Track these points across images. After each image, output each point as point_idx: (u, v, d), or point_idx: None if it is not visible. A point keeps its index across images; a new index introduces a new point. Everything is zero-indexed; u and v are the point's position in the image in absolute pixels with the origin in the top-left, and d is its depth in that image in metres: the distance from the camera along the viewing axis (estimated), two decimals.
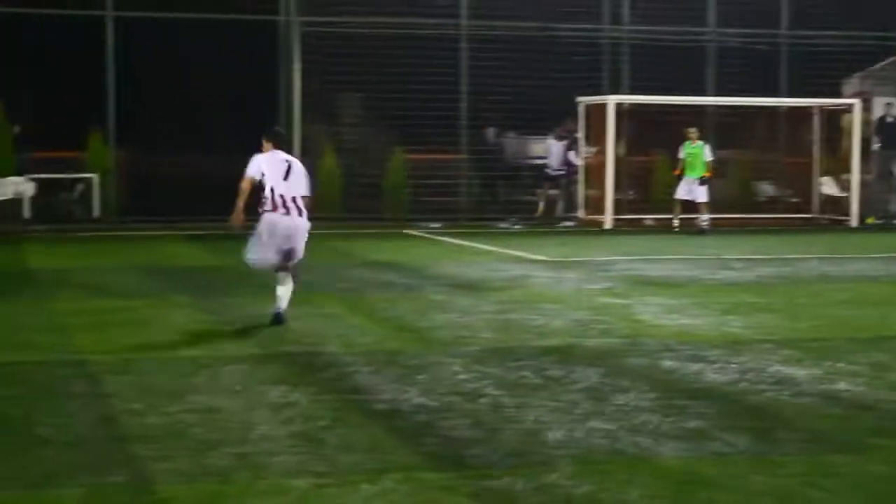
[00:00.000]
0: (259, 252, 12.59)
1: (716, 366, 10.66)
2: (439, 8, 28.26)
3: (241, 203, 12.53)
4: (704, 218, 25.76)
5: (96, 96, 26.36)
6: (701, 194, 25.84)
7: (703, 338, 12.11)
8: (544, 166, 28.59)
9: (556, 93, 28.28)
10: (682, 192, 25.79)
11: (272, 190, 12.48)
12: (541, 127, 29.15)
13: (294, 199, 12.53)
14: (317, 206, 27.44)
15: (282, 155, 12.72)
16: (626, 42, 29.38)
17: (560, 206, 28.83)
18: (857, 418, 8.80)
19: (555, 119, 28.96)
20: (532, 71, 28.01)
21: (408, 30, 27.80)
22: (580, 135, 27.88)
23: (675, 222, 26.01)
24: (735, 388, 9.76)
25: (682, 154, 26.03)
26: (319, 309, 13.80)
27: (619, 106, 27.30)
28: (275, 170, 12.54)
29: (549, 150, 28.45)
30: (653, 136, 28.16)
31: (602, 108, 26.81)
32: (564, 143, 28.36)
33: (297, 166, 12.70)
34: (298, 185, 12.63)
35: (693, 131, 26.31)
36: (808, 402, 9.31)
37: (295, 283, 12.70)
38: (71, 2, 26.16)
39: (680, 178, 25.92)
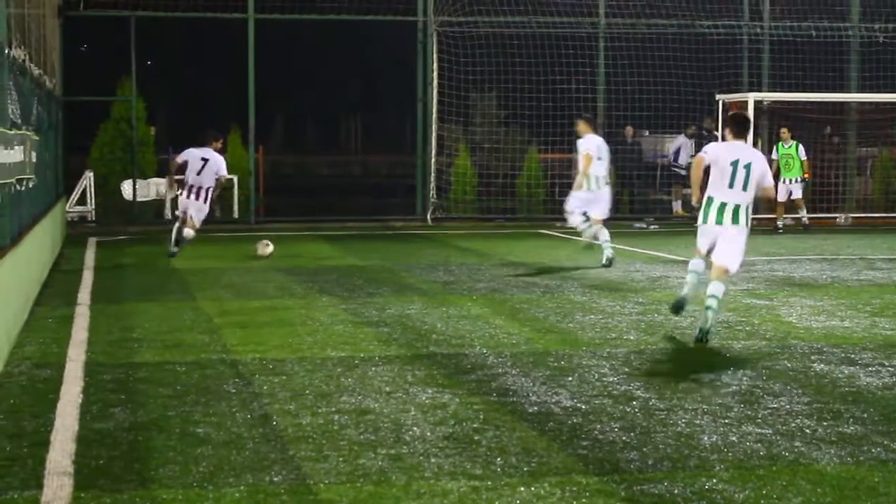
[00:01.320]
0: None
1: (869, 369, 10.46)
2: (576, 6, 28.16)
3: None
4: (804, 215, 25.51)
5: (237, 98, 26.78)
6: (797, 191, 25.62)
7: (853, 340, 11.89)
8: (674, 165, 28.37)
9: (695, 90, 28.03)
10: (782, 194, 25.24)
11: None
12: (679, 126, 28.93)
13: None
14: (451, 206, 27.76)
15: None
16: (766, 38, 28.97)
17: (678, 204, 28.67)
18: None
19: (692, 117, 28.71)
20: (670, 68, 27.80)
21: (544, 29, 27.77)
22: (719, 132, 27.55)
23: (780, 223, 25.52)
24: (891, 393, 9.56)
25: (774, 155, 25.62)
26: (463, 310, 13.83)
27: (758, 103, 26.95)
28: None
29: (680, 149, 28.23)
30: (794, 134, 27.75)
31: (741, 104, 26.47)
32: (693, 140, 28.13)
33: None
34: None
35: (785, 131, 25.97)
36: None
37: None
38: (212, 5, 26.57)
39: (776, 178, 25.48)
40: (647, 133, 29.90)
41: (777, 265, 18.60)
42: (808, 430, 8.30)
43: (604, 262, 18.04)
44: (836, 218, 28.02)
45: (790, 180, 25.71)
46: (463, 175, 28.23)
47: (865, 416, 8.76)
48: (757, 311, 13.83)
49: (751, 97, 26.68)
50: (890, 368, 10.48)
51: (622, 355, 11.04)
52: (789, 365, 10.63)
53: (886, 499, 6.85)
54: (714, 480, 7.15)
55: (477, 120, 29.26)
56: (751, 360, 10.89)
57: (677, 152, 28.65)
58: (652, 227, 26.75)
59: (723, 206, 11.78)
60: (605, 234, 18.32)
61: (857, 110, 29.47)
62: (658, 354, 11.18)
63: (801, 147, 25.98)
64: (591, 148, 18.26)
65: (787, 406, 9.03)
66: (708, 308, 11.61)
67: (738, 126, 12.10)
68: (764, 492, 6.94)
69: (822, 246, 21.28)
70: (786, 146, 25.86)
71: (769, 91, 28.27)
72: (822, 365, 10.65)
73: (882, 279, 16.90)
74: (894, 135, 30.40)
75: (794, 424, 8.48)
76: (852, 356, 11.05)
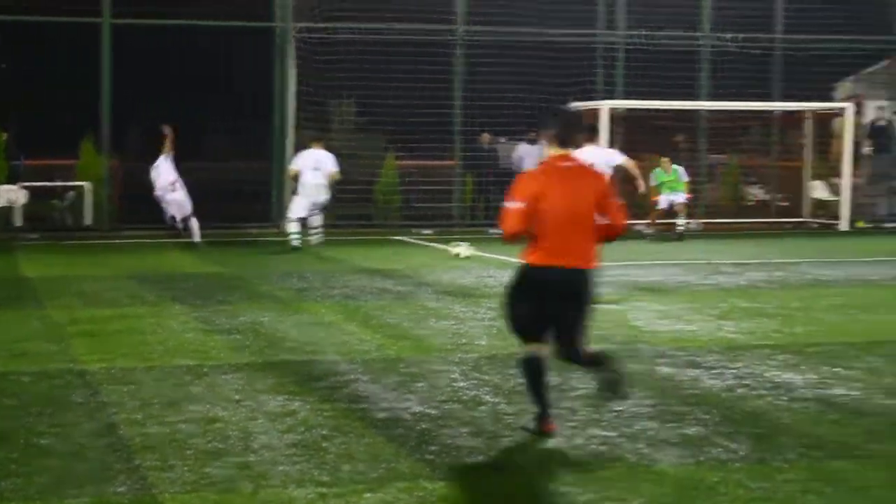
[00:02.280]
0: None
1: (713, 371, 10.71)
2: (434, 14, 28.29)
3: None
4: (682, 222, 25.82)
5: (90, 104, 26.36)
6: (680, 197, 25.89)
7: (698, 343, 12.16)
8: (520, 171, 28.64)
9: (552, 97, 28.32)
10: (663, 203, 25.62)
11: None
12: (535, 132, 29.22)
13: None
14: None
15: None
16: (621, 46, 29.41)
17: None
18: (855, 424, 8.85)
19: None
20: (527, 76, 28.06)
21: (402, 35, 27.84)
22: None
23: (648, 229, 25.82)
24: (733, 394, 9.81)
25: (654, 182, 25.79)
26: (315, 317, 13.82)
27: (612, 111, 27.36)
28: None
29: (522, 156, 28.49)
30: (646, 141, 28.23)
31: (596, 112, 26.86)
32: (536, 147, 28.47)
33: None
34: None
35: (666, 161, 26.21)
36: (806, 407, 9.37)
37: None
38: (67, 9, 26.13)
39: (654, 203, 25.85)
40: (503, 140, 30.12)
41: (628, 270, 18.90)
42: (651, 432, 8.48)
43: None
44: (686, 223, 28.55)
45: (672, 194, 25.85)
46: None
47: (707, 417, 8.97)
48: (606, 316, 14.00)
49: (605, 105, 27.07)
50: (733, 370, 10.75)
51: (473, 361, 11.15)
52: (636, 368, 10.82)
53: (725, 498, 7.03)
54: (558, 483, 7.27)
55: (335, 127, 29.21)
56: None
57: (521, 159, 28.87)
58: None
59: None
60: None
61: (708, 118, 30.07)
62: (509, 360, 11.27)
63: (680, 170, 26.19)
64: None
65: (632, 409, 9.21)
66: None
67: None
68: (606, 493, 7.07)
69: (672, 251, 21.67)
70: (667, 174, 26.00)
71: (623, 99, 28.69)
72: (667, 368, 10.88)
73: (728, 283, 17.29)
74: (743, 142, 31.09)
75: (637, 426, 8.65)
76: (697, 359, 11.30)
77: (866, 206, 29.64)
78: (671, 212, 25.98)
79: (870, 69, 32.08)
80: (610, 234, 8.48)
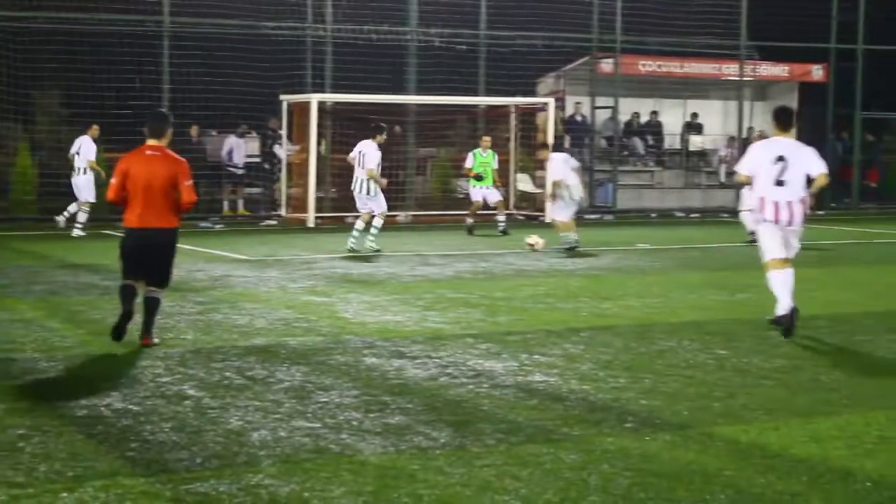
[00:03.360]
0: None
1: (417, 361, 10.90)
2: (142, 5, 27.76)
3: None
4: (501, 219, 25.98)
5: None
6: (493, 196, 25.96)
7: (404, 334, 12.35)
8: (228, 165, 28.50)
9: (262, 90, 28.20)
10: (476, 196, 25.68)
11: None
12: (246, 125, 29.06)
13: None
14: (12, 207, 26.78)
15: None
16: (329, 40, 29.51)
17: (241, 204, 28.93)
18: (551, 409, 9.15)
19: (261, 117, 28.90)
20: (236, 69, 27.84)
21: (108, 26, 27.24)
22: (283, 133, 27.92)
23: (470, 220, 25.81)
24: (436, 383, 10.00)
25: (469, 163, 25.89)
26: (14, 314, 13.41)
27: (321, 104, 27.44)
28: None
29: (233, 149, 28.36)
30: (356, 135, 28.45)
31: (305, 106, 26.91)
32: (244, 140, 28.39)
33: None
34: None
35: (487, 140, 26.37)
36: (506, 394, 9.64)
37: None
38: None
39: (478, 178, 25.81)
40: (214, 133, 29.84)
41: (338, 262, 19.04)
42: (355, 423, 8.57)
43: None
44: (396, 216, 28.89)
45: (485, 188, 25.87)
46: (23, 175, 27.28)
47: (410, 406, 9.12)
48: (315, 308, 14.13)
49: (314, 98, 27.13)
50: (437, 360, 10.96)
51: (178, 355, 11.02)
52: (342, 359, 10.93)
53: (424, 485, 7.16)
54: (261, 476, 7.26)
55: (38, 118, 28.36)
56: (305, 355, 11.12)
57: (230, 153, 28.74)
58: (217, 226, 26.73)
59: None
60: None
61: (417, 112, 30.51)
62: (215, 354, 11.20)
63: (495, 157, 26.32)
64: None
65: (337, 399, 9.29)
66: None
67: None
68: (308, 484, 7.11)
69: (383, 243, 21.82)
70: (484, 155, 26.04)
71: (333, 92, 28.81)
72: (373, 358, 11.01)
73: (435, 274, 17.61)
74: (452, 136, 31.65)
75: (342, 417, 8.73)
76: (402, 349, 11.48)
77: None
78: (487, 206, 25.96)
79: (570, 66, 33.19)
80: (182, 207, 11.42)
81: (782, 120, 12.84)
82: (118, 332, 11.31)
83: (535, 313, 14.00)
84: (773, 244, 12.64)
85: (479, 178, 25.69)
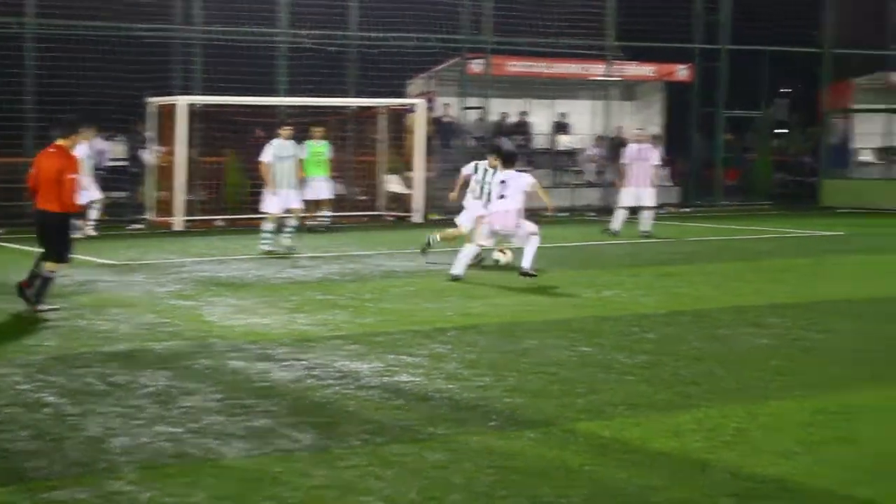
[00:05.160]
0: None
1: (283, 364, 10.86)
2: (4, 6, 27.19)
3: None
4: (326, 215, 25.90)
5: None
6: (325, 191, 25.99)
7: (271, 336, 12.30)
8: (97, 167, 28.07)
9: (130, 93, 27.80)
10: (308, 193, 25.49)
11: None
12: (113, 128, 28.63)
13: None
14: None
15: None
16: (198, 42, 29.23)
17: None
18: (416, 409, 9.19)
19: (131, 120, 28.50)
20: (104, 70, 27.40)
21: None
22: (149, 135, 27.57)
23: (312, 222, 25.67)
24: (301, 385, 9.98)
25: (305, 153, 25.72)
26: None
27: (190, 107, 27.17)
28: None
29: (102, 150, 27.92)
30: (224, 137, 28.26)
31: (173, 108, 26.62)
32: (111, 143, 28.01)
33: None
34: None
35: (319, 130, 26.31)
36: (371, 394, 9.65)
37: None
38: None
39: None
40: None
41: (205, 265, 18.86)
42: (218, 426, 8.52)
43: None
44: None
45: (320, 178, 25.71)
46: None
47: (275, 409, 9.09)
48: (181, 312, 14.00)
49: (181, 100, 26.85)
50: (303, 362, 10.93)
51: (39, 362, 10.85)
52: (207, 363, 10.85)
53: (287, 487, 7.15)
54: (121, 482, 7.19)
55: None
56: (170, 360, 11.02)
57: (100, 154, 28.23)
58: (84, 229, 26.27)
59: None
60: None
61: (287, 113, 30.33)
62: (77, 360, 11.03)
63: (330, 147, 26.21)
64: None
65: (201, 403, 9.22)
66: None
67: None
68: (169, 490, 7.06)
69: (252, 245, 21.67)
70: (317, 144, 25.90)
71: (202, 95, 28.53)
72: (238, 362, 10.95)
73: (303, 277, 17.54)
74: (322, 137, 31.48)
75: (205, 421, 8.67)
76: (269, 352, 11.43)
77: (438, 199, 30.69)
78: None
79: (439, 67, 33.30)
80: (63, 199, 13.64)
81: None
82: (18, 285, 13.88)
83: (402, 314, 14.02)
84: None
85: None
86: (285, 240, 21.04)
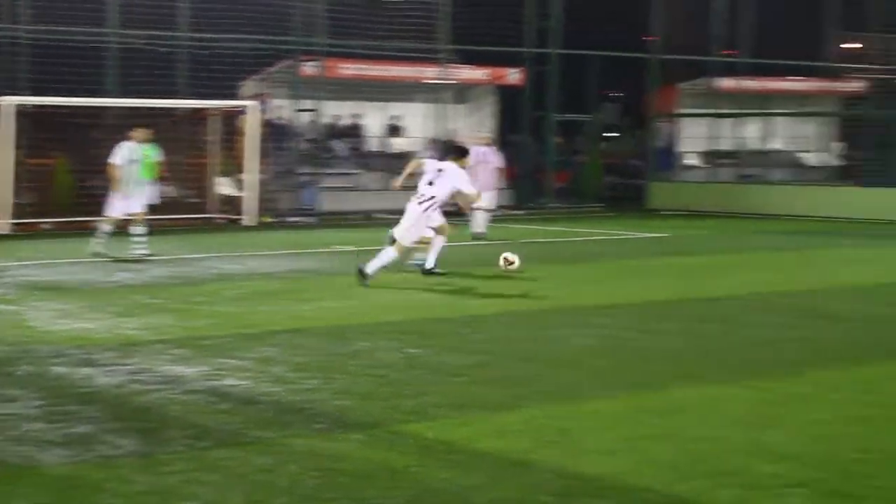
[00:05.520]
0: None
1: (106, 369, 10.68)
2: None
3: None
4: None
5: None
6: (152, 196, 25.20)
7: (95, 341, 12.08)
8: None
9: None
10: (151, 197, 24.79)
11: None
12: None
13: None
14: None
15: None
16: (24, 42, 28.57)
17: None
18: (242, 412, 9.12)
19: None
20: None
21: None
22: None
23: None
24: (125, 390, 9.83)
25: (137, 156, 24.96)
26: None
27: (19, 107, 26.52)
28: None
29: None
30: (53, 139, 27.65)
31: None
32: None
33: None
34: None
35: (140, 132, 25.48)
36: (196, 399, 9.55)
37: None
38: None
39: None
40: None
41: (30, 269, 18.47)
42: (37, 433, 8.33)
43: None
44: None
45: (147, 181, 24.97)
46: None
47: (98, 415, 8.93)
48: (2, 317, 13.67)
49: (7, 101, 26.20)
50: (127, 367, 10.77)
51: None
52: (29, 369, 10.62)
53: (108, 494, 7.02)
54: None
55: None
56: None
57: None
58: None
59: None
60: None
61: (116, 115, 29.79)
62: None
63: (157, 151, 25.48)
64: None
65: (21, 411, 9.02)
66: None
67: None
68: None
69: (80, 249, 21.27)
70: (145, 147, 25.09)
71: (30, 95, 27.87)
72: (61, 367, 10.73)
73: (131, 280, 17.27)
74: (154, 139, 31.00)
75: (25, 429, 8.48)
76: (93, 356, 11.23)
77: (271, 202, 30.55)
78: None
79: (272, 69, 33.12)
80: None
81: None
82: None
83: (232, 317, 13.91)
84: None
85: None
86: (137, 249, 20.35)
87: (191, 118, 30.91)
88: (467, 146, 19.05)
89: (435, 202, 17.17)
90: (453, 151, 18.31)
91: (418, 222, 17.10)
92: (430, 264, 17.60)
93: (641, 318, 14.15)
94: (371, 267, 16.72)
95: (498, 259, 18.02)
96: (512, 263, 17.90)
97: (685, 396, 9.86)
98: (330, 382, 10.23)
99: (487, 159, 25.69)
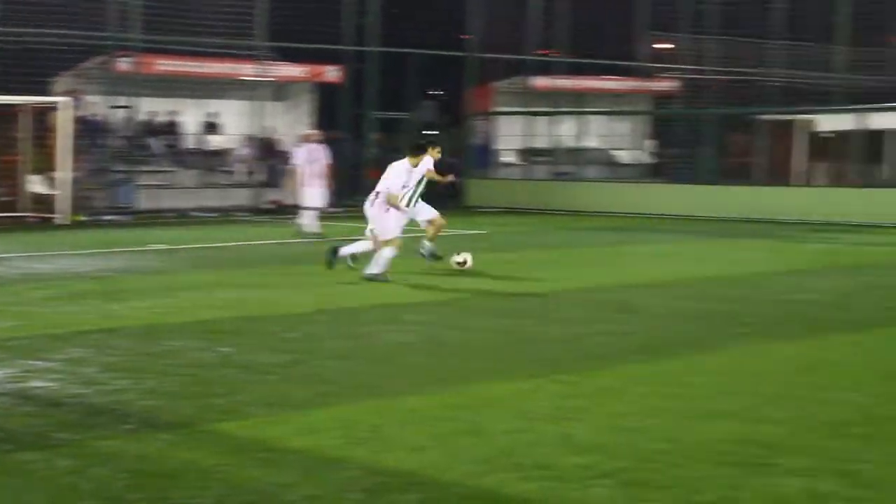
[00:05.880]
0: None
1: None
2: None
3: None
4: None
5: None
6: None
7: None
8: None
9: None
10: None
11: None
12: None
13: None
14: None
15: None
16: None
17: None
18: (48, 414, 8.95)
19: None
20: None
21: None
22: None
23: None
24: None
25: None
26: None
27: None
28: None
29: None
30: None
31: None
32: None
33: None
34: None
35: None
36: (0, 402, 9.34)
37: None
38: None
39: None
40: None
41: None
42: None
43: None
44: None
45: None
46: None
47: None
48: None
49: None
50: None
51: None
52: None
53: None
54: None
55: None
56: None
57: None
58: None
59: None
60: None
61: None
62: None
63: None
64: None
65: None
66: None
67: None
68: None
69: None
70: None
71: None
72: None
73: None
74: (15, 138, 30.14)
75: None
76: None
77: (86, 200, 29.99)
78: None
79: (86, 64, 32.51)
80: None
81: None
82: None
83: (40, 317, 13.63)
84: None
85: None
86: None
87: (0, 114, 30.13)
88: (422, 143, 18.87)
89: (380, 196, 17.27)
90: (411, 149, 18.27)
91: (383, 217, 17.34)
92: (373, 270, 17.29)
93: (457, 315, 14.28)
94: (377, 267, 17.18)
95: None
96: (464, 263, 18.55)
97: (496, 391, 10.00)
98: (140, 382, 10.10)
99: (317, 157, 25.60)
